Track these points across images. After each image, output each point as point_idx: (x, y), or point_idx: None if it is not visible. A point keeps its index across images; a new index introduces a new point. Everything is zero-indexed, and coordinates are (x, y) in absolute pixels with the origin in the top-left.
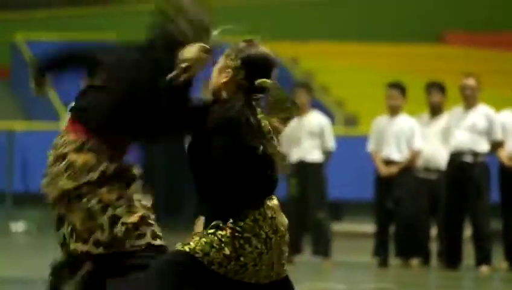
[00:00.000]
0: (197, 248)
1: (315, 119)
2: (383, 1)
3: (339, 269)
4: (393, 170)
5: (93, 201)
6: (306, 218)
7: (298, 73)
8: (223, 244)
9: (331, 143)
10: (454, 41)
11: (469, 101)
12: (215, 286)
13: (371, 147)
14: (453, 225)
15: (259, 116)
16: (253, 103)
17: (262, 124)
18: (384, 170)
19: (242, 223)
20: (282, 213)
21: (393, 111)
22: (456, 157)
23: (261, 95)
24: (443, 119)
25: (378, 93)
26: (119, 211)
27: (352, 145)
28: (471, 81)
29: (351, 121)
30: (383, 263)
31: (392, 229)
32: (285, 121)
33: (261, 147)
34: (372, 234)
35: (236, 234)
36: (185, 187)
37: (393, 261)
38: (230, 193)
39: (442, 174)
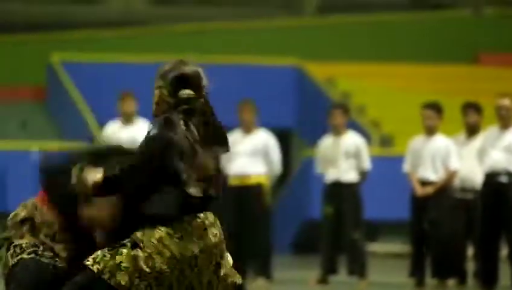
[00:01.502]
0: (106, 269)
1: (351, 139)
2: (419, 22)
3: (375, 289)
4: (429, 190)
5: None
6: (342, 238)
7: (335, 94)
8: (125, 264)
9: (367, 163)
10: (490, 62)
11: (504, 121)
12: None
13: (406, 167)
14: (488, 244)
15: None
16: (183, 115)
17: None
18: (420, 191)
19: (146, 240)
20: (202, 235)
21: (429, 131)
22: (491, 178)
23: (186, 106)
24: (479, 140)
25: (414, 114)
26: None
27: (388, 166)
28: (506, 102)
29: (387, 141)
30: (419, 283)
31: (428, 249)
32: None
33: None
34: (408, 255)
35: (138, 251)
36: None
37: (430, 281)
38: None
39: (479, 194)
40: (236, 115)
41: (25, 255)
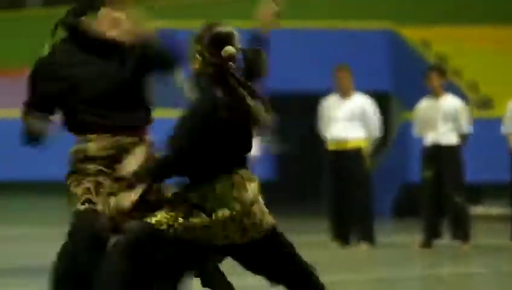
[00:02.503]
0: (163, 220)
1: (450, 102)
2: None
3: (479, 252)
4: None
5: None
6: (443, 202)
7: (430, 57)
8: (183, 216)
9: (466, 126)
10: None
11: None
12: (189, 251)
13: (505, 129)
14: None
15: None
16: (231, 73)
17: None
18: None
19: (190, 195)
20: (243, 190)
21: None
22: None
23: (231, 64)
24: None
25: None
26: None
27: (487, 128)
28: None
29: (485, 103)
30: None
31: None
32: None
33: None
34: (510, 217)
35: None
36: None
37: None
38: (187, 167)
39: None
40: (332, 79)
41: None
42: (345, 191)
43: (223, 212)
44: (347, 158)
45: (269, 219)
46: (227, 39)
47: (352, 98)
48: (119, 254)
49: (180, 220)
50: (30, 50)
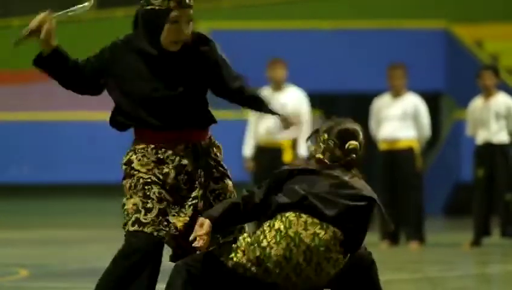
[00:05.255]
0: (223, 251)
1: (501, 100)
2: None
3: None
4: None
5: None
6: (494, 200)
7: (483, 56)
8: (243, 250)
9: None
10: None
11: None
12: (243, 285)
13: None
14: None
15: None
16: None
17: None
18: None
19: (251, 233)
20: (303, 228)
21: None
22: None
23: (353, 156)
24: None
25: None
26: None
27: None
28: None
29: None
30: None
31: None
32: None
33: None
34: None
35: (248, 240)
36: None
37: None
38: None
39: None
40: (386, 79)
41: None
42: (396, 190)
43: (277, 250)
44: (399, 158)
45: (331, 269)
46: (354, 135)
47: (404, 98)
48: (180, 278)
49: (240, 253)
50: (83, 52)
